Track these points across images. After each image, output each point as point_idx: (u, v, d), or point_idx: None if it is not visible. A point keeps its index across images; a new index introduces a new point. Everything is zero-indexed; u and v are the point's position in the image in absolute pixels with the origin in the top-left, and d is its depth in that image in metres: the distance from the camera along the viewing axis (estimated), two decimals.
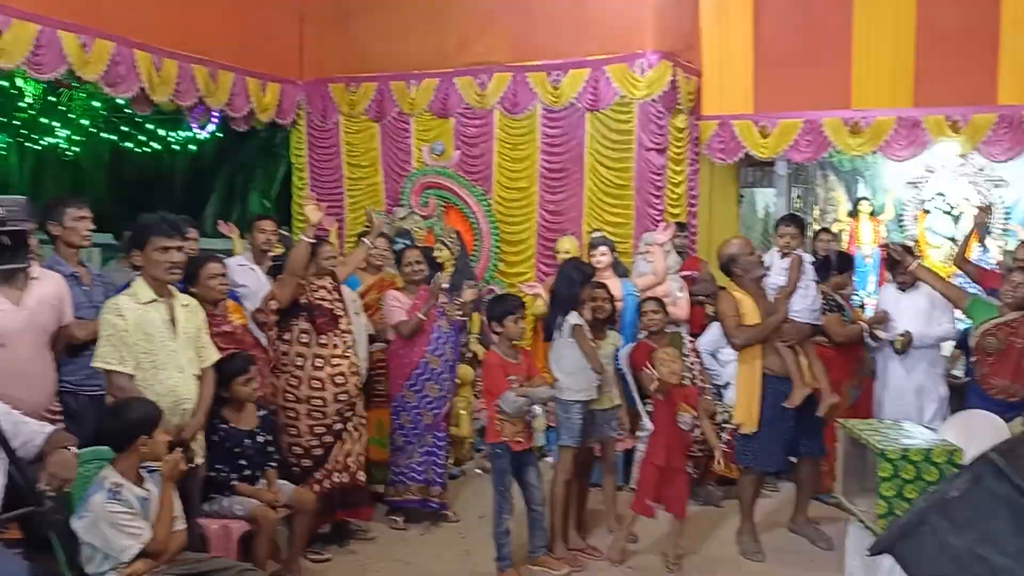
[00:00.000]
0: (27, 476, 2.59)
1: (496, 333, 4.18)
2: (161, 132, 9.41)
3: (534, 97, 6.66)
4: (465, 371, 5.63)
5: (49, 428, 2.82)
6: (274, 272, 4.85)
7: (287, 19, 7.30)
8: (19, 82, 8.26)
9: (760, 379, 4.33)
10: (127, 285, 3.52)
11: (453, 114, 6.95)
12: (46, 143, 9.57)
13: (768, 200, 8.05)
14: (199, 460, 3.51)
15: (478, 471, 5.75)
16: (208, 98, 6.62)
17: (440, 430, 4.91)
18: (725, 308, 4.38)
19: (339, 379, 4.33)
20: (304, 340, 4.33)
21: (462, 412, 5.70)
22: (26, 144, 9.85)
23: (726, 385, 5.09)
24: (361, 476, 4.47)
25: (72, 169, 10.24)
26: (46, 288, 3.51)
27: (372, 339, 4.94)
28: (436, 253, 6.06)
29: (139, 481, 3.06)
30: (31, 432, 2.75)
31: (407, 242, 6.20)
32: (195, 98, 6.51)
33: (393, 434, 4.87)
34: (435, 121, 7.02)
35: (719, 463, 4.35)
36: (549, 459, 5.22)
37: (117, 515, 2.94)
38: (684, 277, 5.64)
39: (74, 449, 2.77)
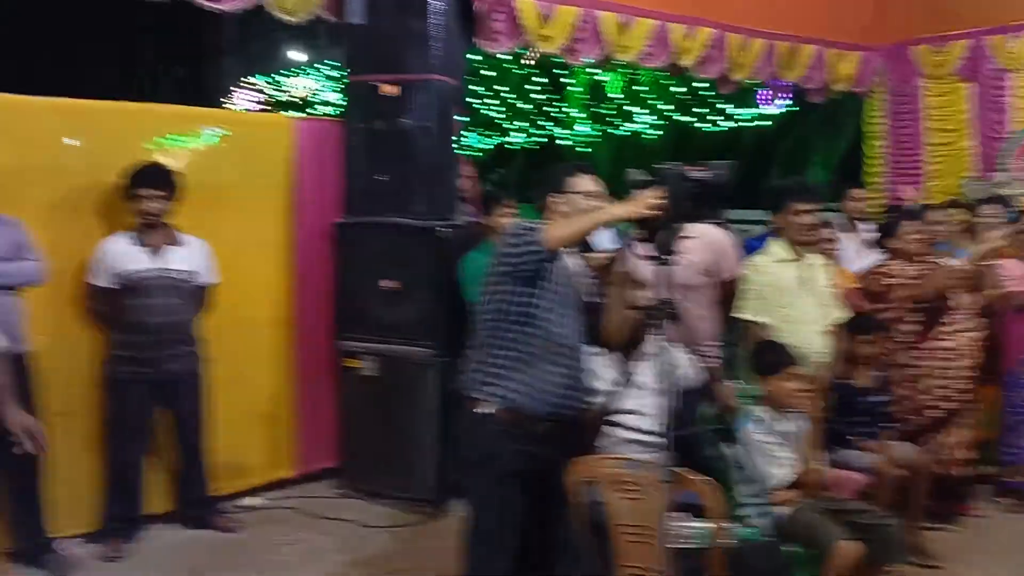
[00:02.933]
0: (683, 403, 3.08)
1: None
2: (731, 110, 10.04)
3: None
4: None
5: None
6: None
7: None
8: (602, 75, 9.56)
9: None
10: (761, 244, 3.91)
11: None
12: (628, 129, 10.89)
13: None
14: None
15: None
16: (785, 72, 6.87)
17: None
18: None
19: (951, 355, 4.22)
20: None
21: None
22: (610, 131, 11.31)
23: None
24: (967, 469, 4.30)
25: (646, 152, 11.45)
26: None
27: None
28: None
29: (783, 417, 3.39)
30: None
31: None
32: (770, 73, 6.82)
33: (1005, 412, 4.58)
34: None
35: None
36: None
37: (765, 445, 3.31)
38: None
39: (731, 384, 3.21)
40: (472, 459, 2.90)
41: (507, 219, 4.34)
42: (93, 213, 4.15)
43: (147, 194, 3.99)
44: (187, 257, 4.15)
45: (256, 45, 15.37)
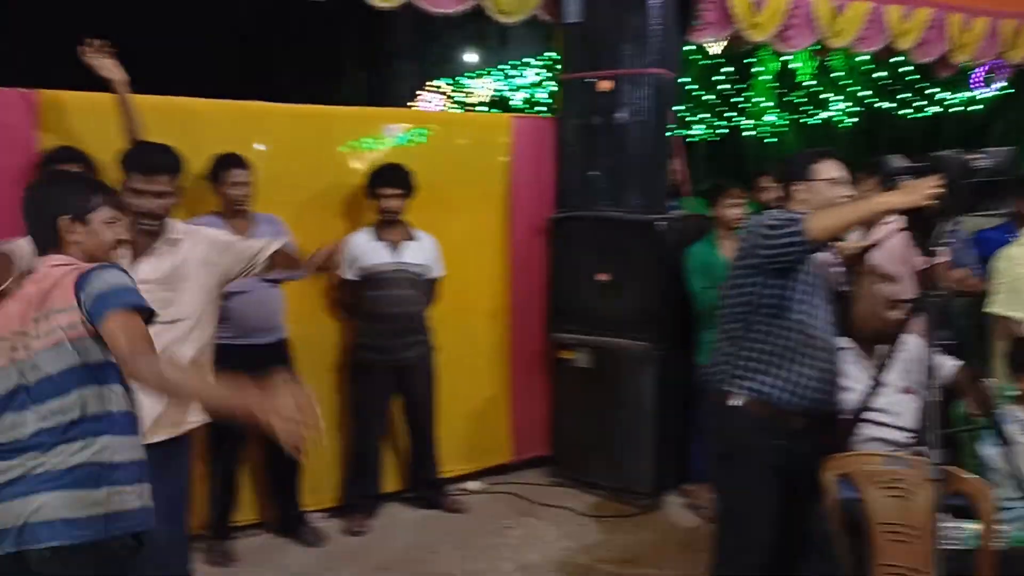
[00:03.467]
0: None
1: None
2: (940, 94, 9.46)
3: None
4: None
5: None
6: None
7: None
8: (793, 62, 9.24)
9: None
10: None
11: None
12: (820, 117, 10.48)
13: None
14: None
15: None
16: (1009, 53, 6.41)
17: None
18: None
19: None
20: None
21: None
22: (800, 120, 10.92)
23: None
24: None
25: (838, 141, 10.98)
26: None
27: None
28: None
29: None
30: None
31: None
32: (994, 54, 6.38)
33: None
34: None
35: None
36: None
37: None
38: None
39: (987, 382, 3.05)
40: (722, 451, 2.91)
41: (735, 210, 4.31)
42: (338, 212, 4.47)
43: (387, 193, 4.25)
44: (421, 252, 4.39)
45: (436, 48, 15.87)
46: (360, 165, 4.46)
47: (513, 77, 13.36)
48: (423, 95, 14.16)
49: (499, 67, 13.38)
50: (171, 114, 3.84)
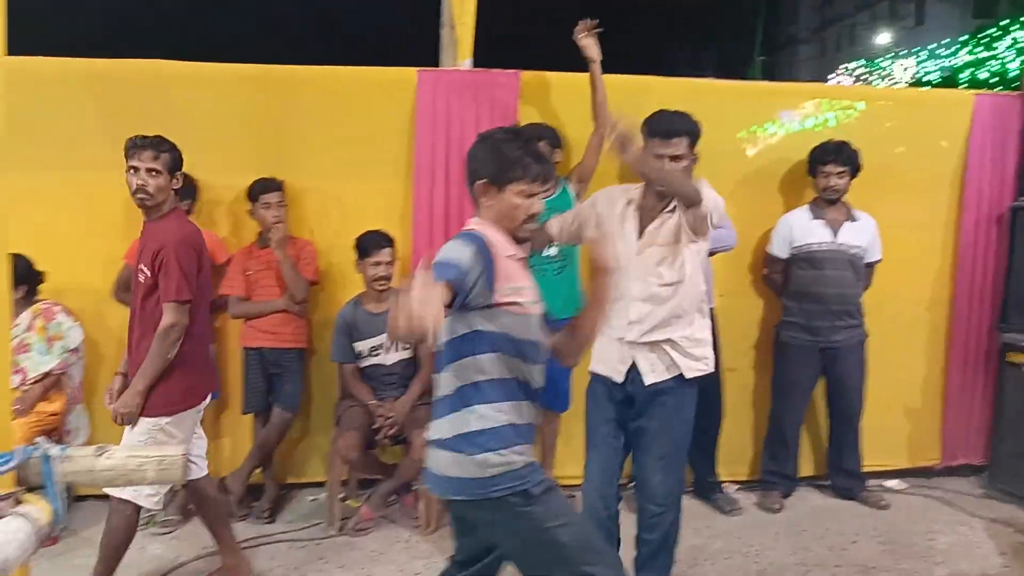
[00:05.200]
0: None
1: None
2: None
3: None
4: None
5: None
6: None
7: None
8: None
9: None
10: None
11: None
12: None
13: None
14: None
15: None
16: None
17: None
18: None
19: None
20: None
21: None
22: None
23: None
24: None
25: None
26: None
27: None
28: None
29: None
30: None
31: None
32: None
33: None
34: None
35: None
36: None
37: None
38: None
39: None
40: None
41: None
42: (774, 189, 4.47)
43: (831, 170, 4.16)
44: (860, 233, 4.23)
45: (841, 30, 15.10)
46: (801, 141, 4.41)
47: (939, 57, 12.20)
48: (835, 78, 13.50)
49: (923, 47, 12.28)
50: (626, 91, 4.10)
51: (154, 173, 3.03)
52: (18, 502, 1.96)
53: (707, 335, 3.11)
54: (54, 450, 1.99)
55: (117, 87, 4.02)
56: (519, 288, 2.19)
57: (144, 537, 3.82)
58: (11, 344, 2.75)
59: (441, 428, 2.19)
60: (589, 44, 3.85)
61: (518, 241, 2.27)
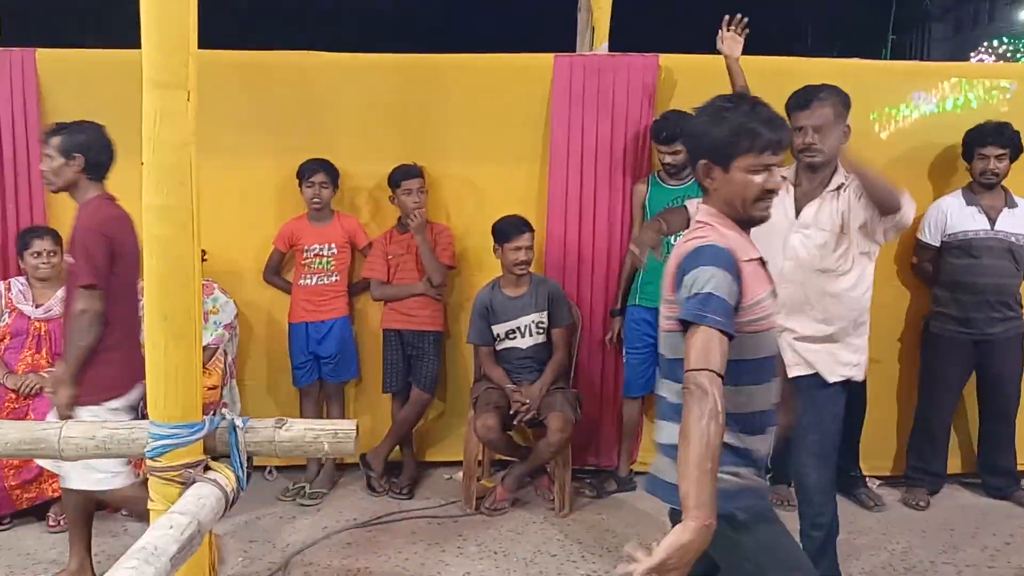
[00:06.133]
0: None
1: None
2: None
3: None
4: None
5: None
6: None
7: None
8: None
9: None
10: None
11: None
12: None
13: None
14: None
15: None
16: None
17: None
18: None
19: None
20: None
21: None
22: None
23: None
24: None
25: None
26: None
27: None
28: None
29: None
30: None
31: None
32: None
33: None
34: None
35: None
36: None
37: None
38: None
39: None
40: None
41: None
42: (922, 173, 4.27)
43: (990, 153, 3.95)
44: (1019, 220, 4.00)
45: (977, 9, 14.26)
46: (951, 123, 4.19)
47: None
48: (977, 56, 12.76)
49: None
50: (763, 73, 3.98)
51: (48, 157, 3.06)
52: (207, 469, 2.10)
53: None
54: (239, 421, 2.11)
55: (266, 77, 4.21)
56: (759, 302, 1.89)
57: (293, 507, 4.02)
58: None
59: (670, 433, 1.89)
60: (733, 47, 3.73)
61: (753, 224, 1.97)
